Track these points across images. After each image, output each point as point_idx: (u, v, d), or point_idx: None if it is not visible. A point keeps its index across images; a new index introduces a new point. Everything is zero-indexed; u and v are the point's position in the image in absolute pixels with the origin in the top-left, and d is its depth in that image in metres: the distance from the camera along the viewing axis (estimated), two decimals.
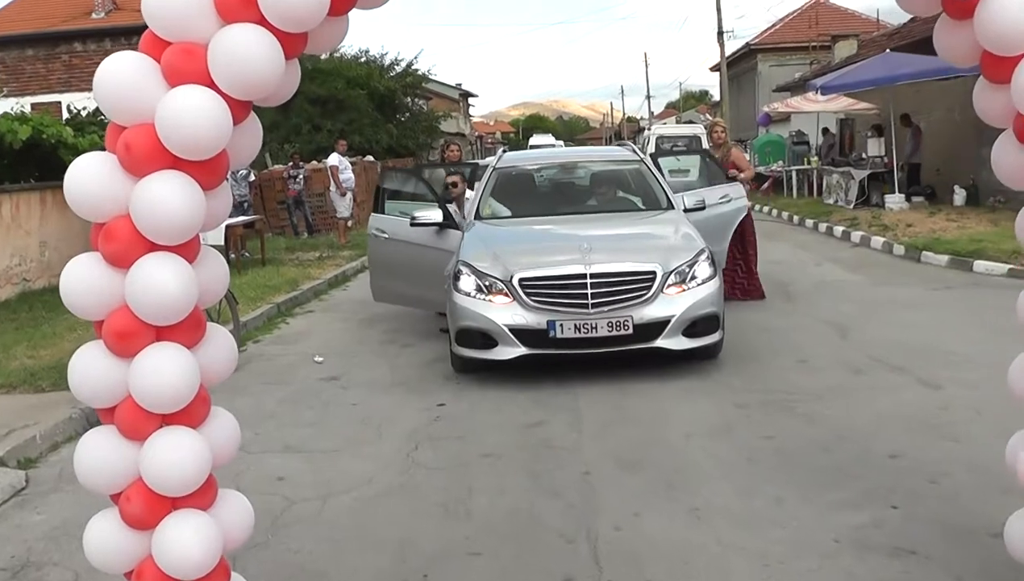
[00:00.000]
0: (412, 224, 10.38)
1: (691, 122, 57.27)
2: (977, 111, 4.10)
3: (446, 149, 12.36)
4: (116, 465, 3.49)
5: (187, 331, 3.50)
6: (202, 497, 3.61)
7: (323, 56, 35.89)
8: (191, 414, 3.54)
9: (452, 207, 10.82)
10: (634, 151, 12.32)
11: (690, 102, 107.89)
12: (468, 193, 11.45)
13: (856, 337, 9.99)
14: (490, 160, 12.64)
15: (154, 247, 3.37)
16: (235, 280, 15.54)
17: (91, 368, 3.46)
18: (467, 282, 8.87)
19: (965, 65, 4.02)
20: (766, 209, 27.02)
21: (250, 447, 7.22)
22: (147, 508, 3.50)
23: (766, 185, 31.94)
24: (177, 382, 3.39)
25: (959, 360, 8.75)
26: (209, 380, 3.66)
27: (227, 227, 17.16)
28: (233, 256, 17.80)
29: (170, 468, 3.43)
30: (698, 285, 8.72)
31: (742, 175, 12.81)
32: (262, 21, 3.30)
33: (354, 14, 3.61)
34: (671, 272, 8.66)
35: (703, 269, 8.84)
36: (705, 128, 13.21)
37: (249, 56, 3.26)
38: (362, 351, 10.78)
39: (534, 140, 73.78)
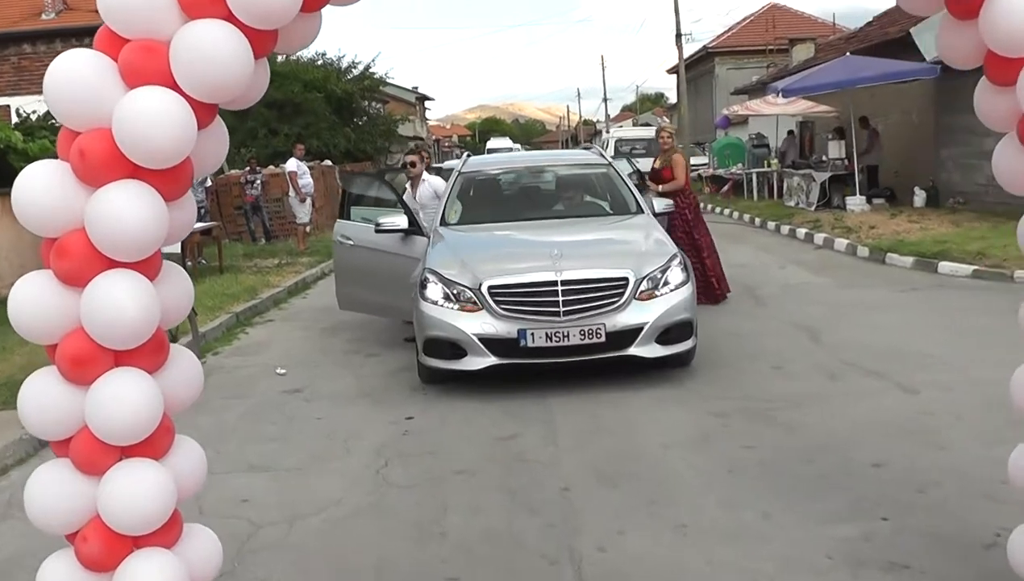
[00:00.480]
0: (377, 230, 10.18)
1: (648, 125, 57.35)
2: (978, 114, 3.94)
3: (409, 165, 11.75)
4: (71, 502, 3.22)
5: (149, 355, 3.24)
6: (166, 535, 3.35)
7: (279, 59, 35.58)
8: (153, 445, 3.28)
9: (415, 205, 10.68)
10: (601, 154, 12.13)
11: (646, 105, 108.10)
12: (426, 176, 11.42)
13: (828, 340, 9.84)
14: (452, 163, 12.42)
15: (112, 264, 3.11)
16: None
17: (43, 397, 3.18)
18: (434, 290, 8.63)
19: (968, 66, 3.85)
20: (727, 212, 26.98)
21: (213, 467, 6.78)
22: (106, 548, 3.23)
23: (726, 188, 31.93)
24: (138, 411, 3.13)
25: (932, 363, 8.64)
26: (173, 407, 3.40)
27: None
28: (190, 264, 17.41)
29: (131, 504, 3.16)
30: (671, 291, 8.53)
31: (662, 187, 12.40)
32: (229, 17, 3.05)
33: (326, 11, 3.37)
34: (643, 278, 8.46)
35: (676, 275, 8.66)
36: (656, 133, 13.54)
37: (215, 55, 3.01)
38: (325, 362, 10.51)
39: (492, 143, 73.58)
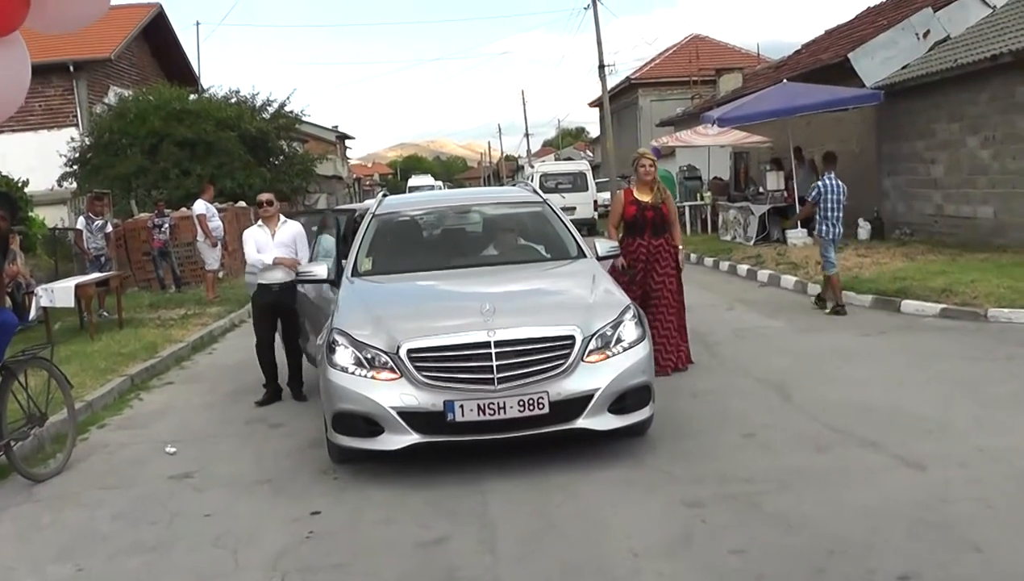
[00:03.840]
0: (297, 280, 9.55)
1: (570, 158, 56.54)
2: None
3: (266, 204, 10.60)
4: None
5: None
6: None
7: (191, 97, 34.03)
8: None
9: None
10: (534, 191, 10.78)
11: (568, 140, 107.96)
12: (284, 219, 10.66)
13: (802, 399, 8.60)
14: (368, 203, 11.08)
15: None
16: (86, 348, 13.74)
17: None
18: (344, 355, 7.24)
19: None
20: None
21: None
22: None
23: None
24: None
25: (932, 427, 7.45)
26: None
27: (77, 286, 15.29)
28: (89, 318, 15.85)
29: None
30: (625, 350, 7.23)
31: (680, 247, 10.67)
32: None
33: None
34: (592, 335, 7.14)
35: (630, 330, 7.36)
36: (632, 161, 10.95)
37: None
38: (224, 434, 9.10)
39: (413, 181, 72.66)
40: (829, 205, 13.43)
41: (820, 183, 13.71)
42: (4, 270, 15.35)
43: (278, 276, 10.23)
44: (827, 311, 13.39)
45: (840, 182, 13.50)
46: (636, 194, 10.49)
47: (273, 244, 10.28)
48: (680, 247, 10.62)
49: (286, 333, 10.55)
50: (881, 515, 5.70)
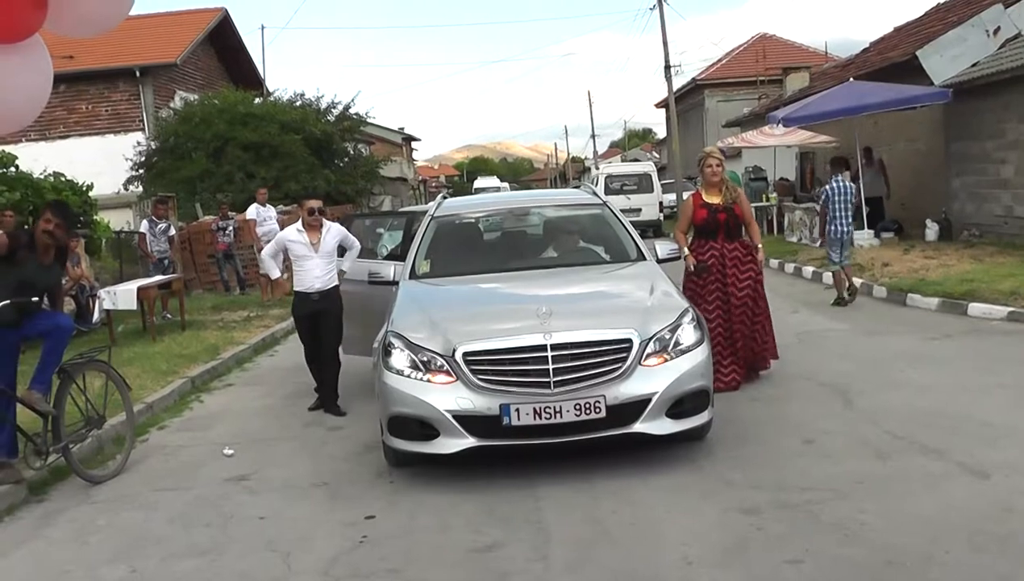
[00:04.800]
0: (370, 281, 9.18)
1: (636, 160, 56.27)
2: None
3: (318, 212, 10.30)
4: None
5: None
6: None
7: (256, 100, 34.28)
8: None
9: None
10: (594, 193, 10.68)
11: (634, 141, 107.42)
12: (328, 225, 10.24)
13: (864, 405, 8.44)
14: (429, 206, 11.02)
15: None
16: (148, 350, 13.85)
17: None
18: (400, 358, 7.22)
19: None
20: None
21: None
22: None
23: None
24: None
25: (997, 435, 7.24)
26: None
27: (139, 289, 15.45)
28: (150, 320, 16.02)
29: None
30: (683, 353, 7.14)
31: (760, 247, 9.92)
32: None
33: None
34: (650, 339, 7.05)
35: (688, 334, 7.26)
36: (697, 161, 10.29)
37: None
38: (282, 437, 9.13)
39: (479, 183, 72.85)
40: (838, 207, 14.38)
41: (828, 186, 14.67)
42: (67, 274, 15.60)
43: (316, 285, 9.86)
44: (831, 302, 14.49)
45: (849, 184, 14.53)
46: (705, 197, 9.83)
47: (316, 256, 9.88)
48: (760, 247, 9.90)
49: (324, 341, 10.04)
50: (942, 525, 5.56)
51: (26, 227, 7.65)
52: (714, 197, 9.79)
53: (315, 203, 10.17)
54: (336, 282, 10.00)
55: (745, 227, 9.92)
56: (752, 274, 9.70)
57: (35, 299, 7.71)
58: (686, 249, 9.63)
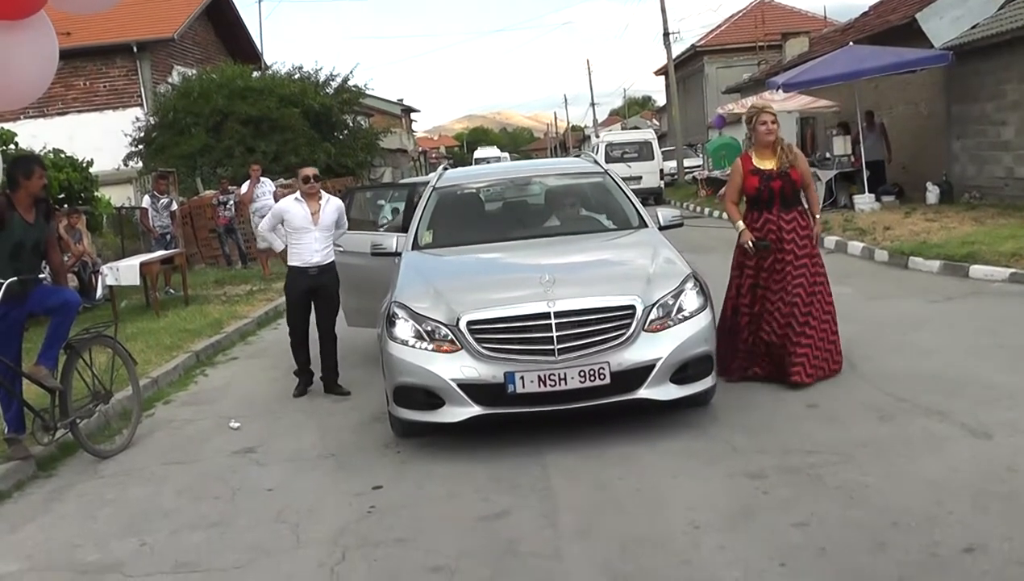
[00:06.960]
0: (373, 253, 9.10)
1: (636, 128, 56.13)
2: None
3: (312, 179, 9.81)
4: None
5: None
6: None
7: (254, 74, 34.15)
8: None
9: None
10: (594, 161, 10.69)
11: (634, 108, 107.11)
12: (327, 197, 9.92)
13: (868, 369, 8.45)
14: (431, 177, 11.01)
15: None
16: (152, 325, 13.90)
17: None
18: (404, 328, 7.25)
19: None
20: (725, 216, 25.53)
21: (132, 568, 5.61)
22: None
23: (723, 190, 30.57)
24: None
25: (998, 396, 7.25)
26: None
27: (142, 264, 15.48)
28: (153, 295, 16.07)
29: None
30: (686, 319, 7.17)
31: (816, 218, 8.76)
32: None
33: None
34: (653, 305, 7.08)
35: (691, 299, 7.28)
36: (747, 119, 8.67)
37: None
38: (288, 409, 9.18)
39: (479, 153, 72.76)
40: None
41: None
42: (70, 251, 15.60)
43: (315, 259, 9.54)
44: None
45: None
46: (756, 161, 8.46)
47: (316, 229, 9.54)
48: (818, 217, 8.78)
49: (320, 318, 9.76)
50: (946, 486, 5.60)
51: (6, 192, 7.64)
52: (767, 161, 8.42)
53: (310, 170, 9.85)
54: (333, 257, 9.76)
55: (805, 192, 8.62)
56: (809, 252, 8.44)
57: (41, 277, 7.75)
58: (740, 222, 8.54)
